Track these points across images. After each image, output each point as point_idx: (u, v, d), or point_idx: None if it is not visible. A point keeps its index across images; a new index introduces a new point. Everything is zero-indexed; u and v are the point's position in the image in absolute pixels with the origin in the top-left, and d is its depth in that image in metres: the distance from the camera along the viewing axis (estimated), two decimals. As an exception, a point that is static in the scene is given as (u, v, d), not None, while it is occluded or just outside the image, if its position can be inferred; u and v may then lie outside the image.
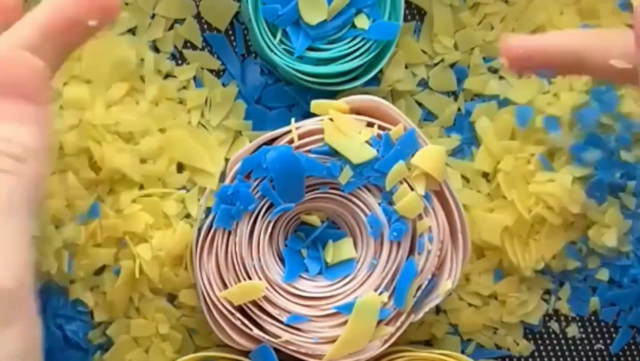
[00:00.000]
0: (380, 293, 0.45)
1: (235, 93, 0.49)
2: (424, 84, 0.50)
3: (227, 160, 0.48)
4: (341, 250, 0.46)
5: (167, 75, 0.49)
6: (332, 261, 0.46)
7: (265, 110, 0.49)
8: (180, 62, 0.49)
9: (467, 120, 0.50)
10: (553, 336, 0.51)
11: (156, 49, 0.49)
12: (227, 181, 0.45)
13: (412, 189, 0.44)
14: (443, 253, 0.45)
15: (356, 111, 0.45)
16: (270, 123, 0.49)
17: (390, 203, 0.45)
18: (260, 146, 0.45)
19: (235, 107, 0.49)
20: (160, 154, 0.48)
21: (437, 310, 0.50)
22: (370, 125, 0.45)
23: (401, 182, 0.44)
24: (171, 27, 0.49)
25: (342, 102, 0.45)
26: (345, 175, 0.44)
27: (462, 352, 0.50)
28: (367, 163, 0.44)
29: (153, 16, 0.49)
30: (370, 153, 0.44)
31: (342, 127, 0.44)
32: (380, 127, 0.45)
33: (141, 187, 0.48)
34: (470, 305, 0.50)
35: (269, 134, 0.45)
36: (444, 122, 0.50)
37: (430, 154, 0.44)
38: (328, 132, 0.44)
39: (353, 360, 0.45)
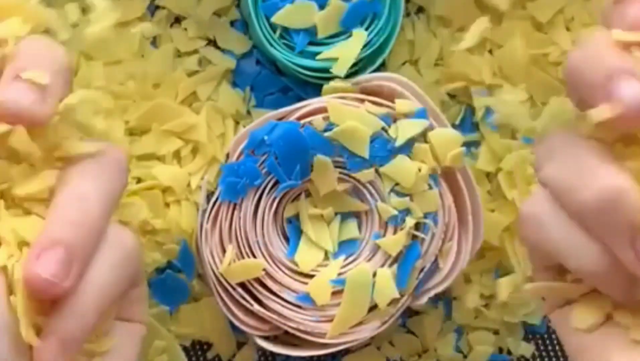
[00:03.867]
0: (383, 274, 0.44)
1: (229, 66, 0.49)
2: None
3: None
4: (345, 229, 0.46)
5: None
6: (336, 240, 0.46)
7: (261, 96, 0.49)
8: (180, 57, 0.49)
9: (471, 119, 0.50)
10: (554, 336, 0.50)
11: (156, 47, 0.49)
12: (234, 158, 0.45)
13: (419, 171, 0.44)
14: (448, 236, 0.45)
15: (367, 93, 0.46)
16: (267, 109, 0.49)
17: (397, 184, 0.45)
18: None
19: (232, 96, 0.49)
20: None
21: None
22: (379, 105, 0.45)
23: (408, 164, 0.44)
24: (171, 25, 0.49)
25: (352, 82, 0.46)
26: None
27: (462, 353, 0.49)
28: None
29: (153, 14, 0.49)
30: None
31: (349, 106, 0.44)
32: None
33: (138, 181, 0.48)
34: (470, 305, 0.49)
35: (279, 111, 0.45)
36: (448, 120, 0.50)
37: (443, 136, 0.44)
38: (334, 112, 0.44)
39: (352, 338, 0.44)
